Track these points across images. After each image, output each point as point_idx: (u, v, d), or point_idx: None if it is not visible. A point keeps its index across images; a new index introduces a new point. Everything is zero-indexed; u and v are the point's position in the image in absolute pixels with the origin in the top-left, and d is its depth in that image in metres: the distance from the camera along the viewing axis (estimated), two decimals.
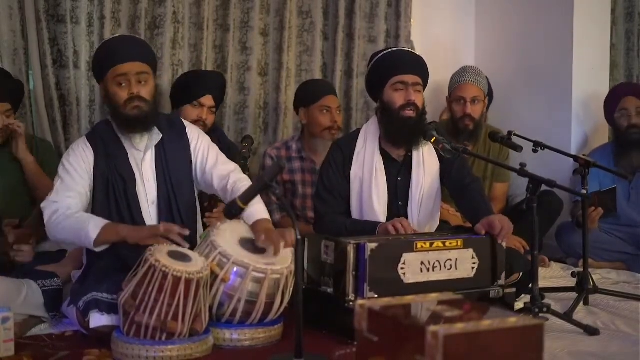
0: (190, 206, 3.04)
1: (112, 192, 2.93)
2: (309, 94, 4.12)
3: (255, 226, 2.83)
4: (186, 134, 3.07)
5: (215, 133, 3.85)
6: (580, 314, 3.26)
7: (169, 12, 4.27)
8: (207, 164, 3.04)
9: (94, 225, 2.73)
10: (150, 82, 2.94)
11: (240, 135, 4.53)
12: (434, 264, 2.91)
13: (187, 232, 2.74)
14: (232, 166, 3.07)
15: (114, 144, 2.97)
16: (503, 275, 3.07)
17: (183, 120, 3.17)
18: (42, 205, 2.86)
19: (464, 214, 3.56)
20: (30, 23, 3.92)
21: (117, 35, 3.27)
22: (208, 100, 3.78)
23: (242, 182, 2.96)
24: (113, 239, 2.75)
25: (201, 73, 4.07)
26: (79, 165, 2.91)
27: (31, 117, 3.94)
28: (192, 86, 3.80)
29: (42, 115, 3.96)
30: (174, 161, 3.00)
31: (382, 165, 3.38)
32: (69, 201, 2.84)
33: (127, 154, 2.98)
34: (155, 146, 3.00)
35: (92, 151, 2.94)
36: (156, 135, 3.00)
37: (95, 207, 2.92)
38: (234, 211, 2.73)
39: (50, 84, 3.95)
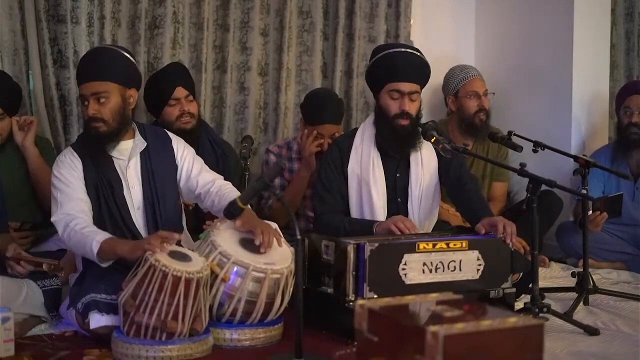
0: (174, 212, 3.09)
1: (102, 198, 2.98)
2: (310, 114, 3.98)
3: (244, 219, 2.83)
4: (171, 144, 3.14)
5: (200, 132, 3.81)
6: (580, 314, 3.26)
7: (169, 12, 4.27)
8: (192, 171, 3.12)
9: (95, 244, 2.73)
10: (111, 100, 2.97)
11: (240, 135, 4.53)
12: (437, 265, 2.90)
13: (180, 237, 2.75)
14: (217, 175, 3.16)
15: (99, 151, 3.01)
16: (510, 277, 3.06)
17: (168, 132, 3.22)
18: (53, 219, 2.90)
19: (462, 214, 3.57)
20: (30, 23, 3.91)
21: (95, 48, 3.40)
22: (180, 91, 3.74)
23: (226, 186, 3.06)
24: (113, 257, 2.76)
25: (161, 72, 3.98)
26: (70, 175, 2.95)
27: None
28: (159, 88, 3.78)
29: (42, 115, 3.96)
30: (158, 168, 3.07)
31: (380, 161, 3.38)
32: (78, 210, 2.88)
33: (112, 160, 3.03)
34: (140, 154, 3.06)
35: (79, 160, 3.00)
36: (140, 144, 3.06)
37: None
38: (233, 211, 2.74)
39: (50, 84, 3.95)
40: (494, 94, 4.57)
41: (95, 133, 2.97)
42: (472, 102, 4.42)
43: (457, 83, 4.51)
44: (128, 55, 3.11)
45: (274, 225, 2.92)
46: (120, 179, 3.01)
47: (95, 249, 2.72)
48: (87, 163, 2.99)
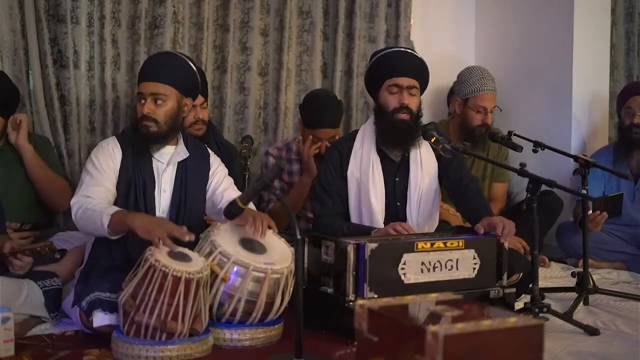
0: (197, 223, 3.13)
1: (132, 194, 3.03)
2: (309, 118, 3.95)
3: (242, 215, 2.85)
4: (209, 160, 3.21)
5: (210, 134, 3.83)
6: (580, 314, 3.26)
7: (169, 12, 4.26)
8: (219, 187, 3.17)
9: (107, 215, 2.77)
10: (168, 103, 3.04)
11: (240, 135, 4.53)
12: (435, 264, 2.91)
13: (192, 238, 2.74)
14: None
15: (142, 149, 3.07)
16: (505, 275, 3.07)
17: (208, 148, 3.30)
18: (72, 201, 2.93)
19: (463, 214, 3.56)
20: (30, 23, 3.91)
21: (165, 51, 3.67)
22: (198, 98, 3.75)
23: None
24: (124, 228, 2.77)
25: None
26: (106, 163, 3.02)
27: (31, 116, 3.94)
28: None
29: (42, 115, 3.96)
30: (192, 180, 3.12)
31: (379, 165, 3.38)
32: (98, 195, 2.92)
33: (151, 160, 3.09)
34: (179, 163, 3.12)
35: (120, 151, 3.06)
36: (183, 153, 3.13)
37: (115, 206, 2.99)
38: (233, 211, 2.75)
39: (50, 84, 3.95)
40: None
41: (145, 132, 3.03)
42: (478, 116, 4.31)
43: (470, 91, 4.36)
44: (193, 67, 3.18)
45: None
46: (154, 179, 3.07)
47: (107, 220, 2.75)
48: (127, 156, 3.05)
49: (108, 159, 3.03)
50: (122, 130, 3.37)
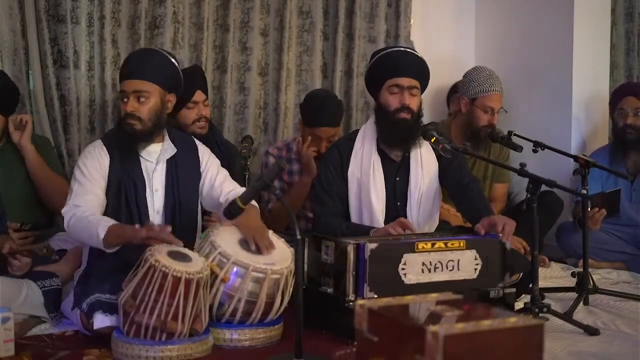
0: (192, 220, 3.11)
1: (123, 197, 3.00)
2: (309, 116, 3.95)
3: (243, 221, 2.86)
4: (198, 153, 3.18)
5: (211, 133, 3.85)
6: (580, 314, 3.26)
7: (169, 12, 4.27)
8: (216, 181, 3.13)
9: (103, 227, 2.75)
10: (151, 100, 3.01)
11: (240, 135, 4.53)
12: (436, 264, 2.90)
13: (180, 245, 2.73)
14: (237, 185, 3.18)
15: (128, 150, 3.04)
16: (507, 276, 3.06)
17: (195, 140, 3.26)
18: (63, 210, 2.91)
19: (464, 214, 3.56)
20: (31, 23, 3.91)
21: (145, 48, 3.64)
22: (199, 95, 3.77)
23: None
24: (120, 240, 2.76)
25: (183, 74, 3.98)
26: (94, 169, 2.98)
27: (31, 116, 3.93)
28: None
29: (42, 115, 3.96)
30: (183, 176, 3.09)
31: (380, 165, 3.38)
32: (89, 203, 2.90)
33: (140, 161, 3.05)
34: (168, 160, 3.08)
35: (107, 155, 3.02)
36: (170, 150, 3.09)
37: (107, 210, 2.98)
38: (233, 211, 2.75)
39: (51, 84, 3.95)
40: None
41: (130, 130, 3.00)
42: (485, 116, 4.26)
43: (479, 91, 4.29)
44: (175, 62, 3.15)
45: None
46: (144, 180, 3.04)
47: (102, 233, 2.73)
48: (114, 158, 3.02)
49: (96, 164, 2.99)
50: (106, 132, 3.32)
